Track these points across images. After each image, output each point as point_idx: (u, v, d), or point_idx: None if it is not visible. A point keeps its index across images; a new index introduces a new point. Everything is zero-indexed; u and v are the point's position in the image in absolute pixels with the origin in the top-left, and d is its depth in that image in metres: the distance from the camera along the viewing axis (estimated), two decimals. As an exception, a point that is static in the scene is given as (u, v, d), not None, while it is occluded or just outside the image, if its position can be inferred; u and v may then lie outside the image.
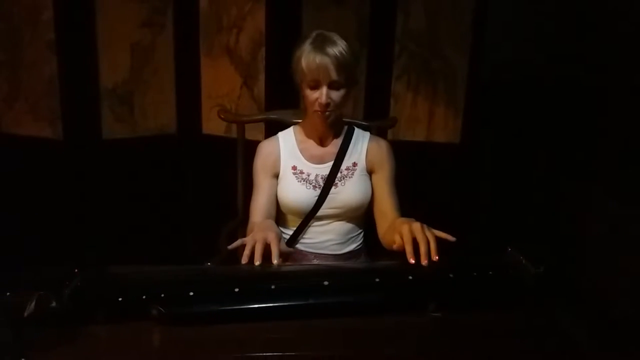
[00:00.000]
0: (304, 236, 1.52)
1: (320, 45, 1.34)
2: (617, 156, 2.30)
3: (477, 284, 1.07)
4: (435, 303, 1.02)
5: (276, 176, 1.50)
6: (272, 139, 1.54)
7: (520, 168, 2.50)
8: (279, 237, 1.20)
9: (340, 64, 1.34)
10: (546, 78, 2.43)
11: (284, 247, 1.34)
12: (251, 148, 1.78)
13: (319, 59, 1.33)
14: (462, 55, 2.37)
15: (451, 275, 1.06)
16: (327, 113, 1.40)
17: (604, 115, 2.37)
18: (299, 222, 1.51)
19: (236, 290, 0.98)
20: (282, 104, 2.09)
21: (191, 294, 0.97)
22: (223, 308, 0.96)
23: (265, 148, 1.52)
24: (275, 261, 1.10)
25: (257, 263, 1.08)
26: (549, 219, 2.41)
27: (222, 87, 2.41)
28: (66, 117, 2.20)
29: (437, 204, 2.27)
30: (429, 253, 1.07)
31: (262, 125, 2.24)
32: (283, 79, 2.36)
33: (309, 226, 1.51)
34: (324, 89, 1.36)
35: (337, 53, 1.33)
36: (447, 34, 2.35)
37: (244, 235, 1.35)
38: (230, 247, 1.19)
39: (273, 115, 1.82)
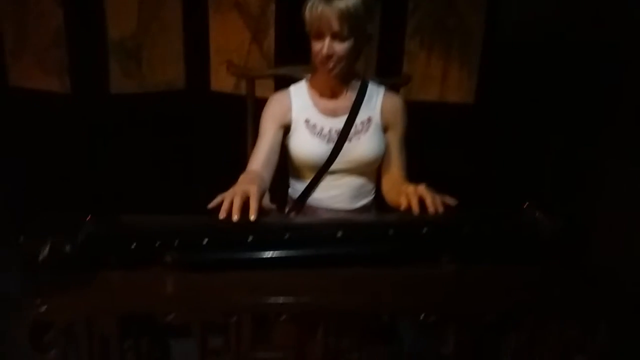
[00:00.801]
0: (316, 190, 1.51)
1: None
2: (635, 118, 2.26)
3: (492, 237, 1.06)
4: (448, 256, 1.01)
5: (284, 127, 1.47)
6: (283, 92, 1.52)
7: (535, 129, 2.46)
8: (261, 191, 1.15)
9: (344, 15, 1.30)
10: (565, 38, 2.37)
11: (266, 202, 1.31)
12: (260, 106, 1.76)
13: (321, 8, 1.31)
14: (478, 14, 2.30)
15: (466, 228, 1.05)
16: (330, 65, 1.36)
17: (624, 76, 2.31)
18: (312, 176, 1.49)
19: (250, 238, 0.98)
20: (292, 60, 2.05)
21: (205, 241, 0.96)
22: (236, 255, 0.96)
23: (276, 98, 1.50)
24: (252, 217, 1.04)
25: (234, 218, 1.03)
26: (564, 180, 2.39)
27: (231, 42, 2.37)
28: (74, 71, 2.17)
29: (449, 166, 2.25)
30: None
31: (271, 83, 2.20)
32: (293, 34, 2.32)
33: (321, 180, 1.49)
34: (327, 40, 1.33)
35: (343, 4, 1.30)
36: (463, -9, 2.29)
37: None
38: (210, 205, 1.10)
39: (283, 71, 1.78)
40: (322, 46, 1.34)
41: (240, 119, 1.88)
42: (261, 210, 1.08)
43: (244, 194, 1.07)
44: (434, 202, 1.12)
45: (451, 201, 1.14)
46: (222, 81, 2.39)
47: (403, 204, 1.16)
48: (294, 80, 1.61)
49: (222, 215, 1.04)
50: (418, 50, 2.36)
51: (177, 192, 2.40)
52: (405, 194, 1.16)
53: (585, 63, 2.34)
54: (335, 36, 1.33)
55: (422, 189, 1.15)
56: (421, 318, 0.91)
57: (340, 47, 1.34)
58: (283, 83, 1.74)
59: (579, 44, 2.35)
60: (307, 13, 1.34)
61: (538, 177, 2.41)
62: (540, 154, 2.47)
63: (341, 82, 1.45)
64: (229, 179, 1.76)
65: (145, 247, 0.95)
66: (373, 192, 1.56)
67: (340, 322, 0.92)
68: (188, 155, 2.50)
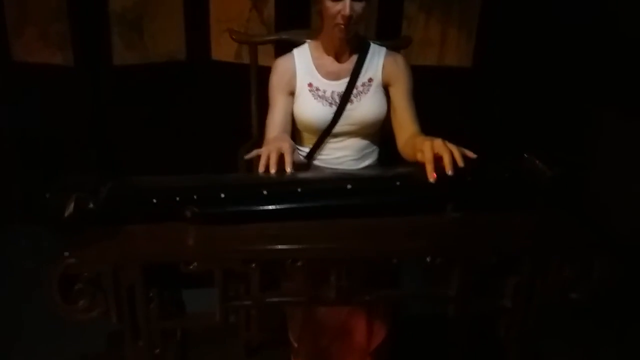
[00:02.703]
0: (320, 153, 1.55)
1: None
2: (630, 77, 2.30)
3: (494, 186, 1.11)
4: (453, 204, 1.06)
5: (292, 93, 1.51)
6: (287, 56, 1.54)
7: (531, 92, 2.49)
8: (293, 148, 1.24)
9: None
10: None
11: (297, 157, 1.40)
12: (262, 73, 1.79)
13: None
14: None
15: (469, 178, 1.09)
16: (349, 26, 1.37)
17: (618, 37, 2.33)
18: (315, 139, 1.53)
19: (265, 192, 1.02)
20: (292, 26, 2.06)
21: (222, 195, 1.01)
22: (253, 208, 1.01)
23: (280, 65, 1.52)
24: (288, 169, 1.14)
25: (272, 171, 1.12)
26: (561, 141, 2.43)
27: (231, 10, 2.38)
28: (76, 44, 2.19)
29: (449, 130, 2.28)
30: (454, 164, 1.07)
31: (272, 51, 2.22)
32: (293, 1, 2.35)
33: (325, 143, 1.53)
34: (347, 0, 1.33)
35: None
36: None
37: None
38: (247, 156, 1.26)
39: (285, 36, 1.80)
40: (344, 6, 1.34)
41: (242, 86, 1.91)
42: (294, 165, 1.16)
43: (278, 150, 1.15)
44: (452, 158, 1.07)
45: (470, 154, 1.12)
46: (223, 50, 2.42)
47: (421, 160, 1.12)
48: (295, 45, 1.63)
49: (261, 169, 1.13)
50: (417, 14, 2.38)
51: (181, 161, 2.44)
52: (421, 150, 1.13)
53: (580, 24, 2.36)
54: None
55: (439, 144, 1.10)
56: (428, 260, 0.97)
57: (359, 6, 1.35)
58: (284, 49, 1.76)
59: (573, 5, 2.36)
60: None
61: (536, 134, 2.45)
62: (537, 111, 2.50)
63: (347, 44, 1.46)
64: (233, 145, 1.81)
65: (165, 202, 1.00)
66: (377, 153, 1.60)
67: (351, 266, 0.98)
68: (191, 125, 2.53)
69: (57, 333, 1.67)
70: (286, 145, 1.19)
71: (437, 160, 1.09)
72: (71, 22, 2.16)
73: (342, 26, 1.37)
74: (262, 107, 1.69)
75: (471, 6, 2.36)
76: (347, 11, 1.34)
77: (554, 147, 2.43)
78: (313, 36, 1.59)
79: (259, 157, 1.20)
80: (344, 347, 1.40)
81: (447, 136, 1.22)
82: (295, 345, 1.46)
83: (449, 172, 1.07)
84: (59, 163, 2.27)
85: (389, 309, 1.41)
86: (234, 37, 1.85)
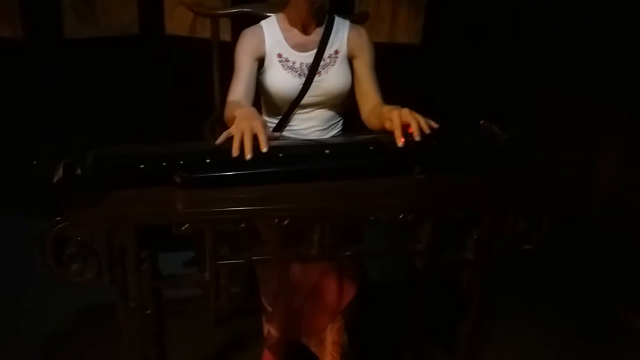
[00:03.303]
0: (289, 124, 1.60)
1: None
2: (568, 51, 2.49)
3: (456, 149, 1.21)
4: (420, 167, 1.16)
5: (258, 60, 1.53)
6: (255, 26, 1.56)
7: (479, 67, 2.64)
8: (264, 124, 1.20)
9: None
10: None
11: (269, 133, 1.35)
12: (221, 48, 1.81)
13: None
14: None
15: (434, 143, 1.19)
16: (312, 4, 1.42)
17: (554, 16, 2.52)
18: (284, 110, 1.57)
19: (248, 157, 1.07)
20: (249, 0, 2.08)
21: (207, 161, 1.06)
22: (239, 172, 1.06)
23: (250, 32, 1.54)
24: (264, 150, 1.09)
25: (247, 157, 1.07)
26: (508, 114, 2.61)
27: (185, -16, 2.36)
28: (25, 16, 2.11)
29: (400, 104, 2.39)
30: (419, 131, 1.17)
31: (229, 25, 2.23)
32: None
33: (294, 114, 1.58)
34: None
35: None
36: None
37: (225, 128, 1.31)
38: (217, 142, 1.17)
39: (247, 9, 1.82)
40: None
41: (198, 60, 1.92)
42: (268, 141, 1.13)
43: (251, 130, 1.10)
44: (418, 126, 1.16)
45: (433, 124, 1.20)
46: (177, 24, 2.40)
47: (389, 128, 1.21)
48: (252, 19, 1.65)
49: (235, 153, 1.07)
50: (369, -10, 2.46)
51: (140, 136, 2.42)
52: (389, 119, 1.21)
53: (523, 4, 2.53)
54: None
55: (406, 113, 1.19)
56: (400, 217, 1.07)
57: None
58: (241, 23, 1.77)
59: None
60: None
61: (481, 107, 2.61)
62: (481, 86, 2.66)
63: (313, 16, 1.51)
64: (194, 120, 1.83)
65: (153, 167, 1.04)
66: (342, 123, 1.67)
67: (333, 224, 1.06)
68: (148, 100, 2.51)
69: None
70: (258, 123, 1.13)
71: (404, 127, 1.19)
72: (20, -8, 2.08)
73: (306, 4, 1.42)
74: (224, 81, 1.71)
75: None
76: None
77: (498, 117, 2.61)
78: (275, 9, 1.63)
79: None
80: (317, 307, 1.47)
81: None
82: (269, 309, 1.52)
83: (417, 138, 1.16)
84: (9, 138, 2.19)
85: (357, 269, 1.50)
86: (195, 9, 1.85)
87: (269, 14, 1.67)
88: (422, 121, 1.19)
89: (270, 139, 1.15)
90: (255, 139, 1.10)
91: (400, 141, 1.17)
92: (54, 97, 2.30)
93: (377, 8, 2.49)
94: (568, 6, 2.47)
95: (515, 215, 1.14)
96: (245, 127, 1.11)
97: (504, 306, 2.02)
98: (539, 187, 1.17)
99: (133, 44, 2.41)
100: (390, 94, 2.41)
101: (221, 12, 1.85)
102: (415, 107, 1.24)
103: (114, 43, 2.34)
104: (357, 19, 1.96)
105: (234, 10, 1.86)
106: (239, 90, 1.45)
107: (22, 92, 2.24)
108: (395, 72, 2.54)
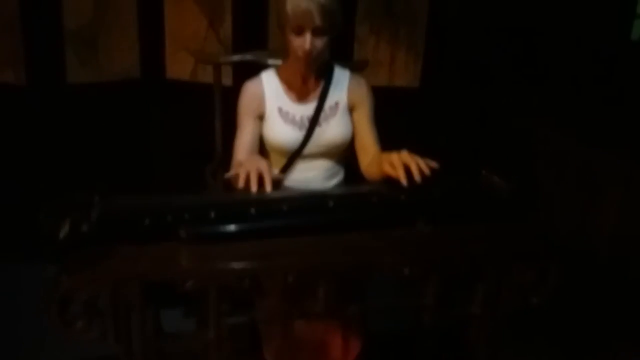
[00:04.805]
0: (290, 174, 1.60)
1: None
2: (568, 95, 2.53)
3: (459, 201, 1.22)
4: (424, 219, 1.16)
5: (260, 117, 1.55)
6: (255, 80, 1.57)
7: (478, 110, 2.68)
8: (270, 166, 1.27)
9: (325, 10, 1.36)
10: (504, 23, 2.58)
11: (275, 175, 1.43)
12: (222, 93, 1.83)
13: (304, 4, 1.35)
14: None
15: (436, 195, 1.20)
16: (311, 59, 1.43)
17: (554, 59, 2.57)
18: (285, 161, 1.58)
19: (252, 211, 1.08)
20: (249, 46, 2.11)
21: (212, 215, 1.05)
22: (243, 227, 1.05)
23: (249, 89, 1.55)
24: (268, 189, 1.17)
25: (253, 189, 1.16)
26: (508, 159, 2.62)
27: (187, 28, 2.40)
28: (29, 61, 2.14)
29: (399, 147, 2.41)
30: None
31: (230, 70, 2.27)
32: (250, 19, 2.41)
33: (295, 164, 1.58)
34: (308, 36, 1.38)
35: (323, 0, 1.35)
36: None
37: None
38: (226, 175, 1.28)
39: (249, 57, 1.86)
40: (304, 42, 1.38)
41: (200, 105, 1.94)
42: (273, 182, 1.20)
43: (257, 169, 1.19)
44: (418, 167, 1.20)
45: (433, 164, 1.23)
46: (178, 69, 2.43)
47: (389, 172, 1.24)
48: (255, 66, 1.67)
49: (241, 184, 1.16)
50: (368, 36, 2.50)
51: (140, 182, 2.42)
52: (389, 162, 1.24)
53: (525, 45, 2.58)
54: (316, 31, 1.38)
55: (405, 155, 1.24)
56: (406, 272, 1.06)
57: (320, 42, 1.40)
58: (242, 69, 1.80)
59: (517, 29, 2.58)
60: (290, 9, 1.36)
61: (481, 151, 2.63)
62: (481, 129, 2.69)
63: (312, 69, 1.52)
64: (196, 165, 1.83)
65: (157, 222, 1.03)
66: (342, 172, 1.68)
67: (338, 279, 1.05)
68: (149, 145, 2.51)
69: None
70: (264, 164, 1.22)
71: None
72: (24, 38, 2.10)
73: (303, 60, 1.43)
74: (226, 127, 1.72)
75: (418, 28, 2.51)
76: (307, 46, 1.38)
77: (499, 162, 2.63)
78: (277, 56, 1.65)
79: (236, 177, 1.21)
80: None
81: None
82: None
83: (417, 178, 1.20)
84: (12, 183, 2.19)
85: (362, 323, 1.48)
86: (197, 57, 1.89)
87: (270, 61, 1.70)
88: (422, 162, 1.23)
89: (274, 180, 1.21)
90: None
91: (405, 181, 1.20)
92: (56, 143, 2.31)
93: (375, 52, 2.53)
94: (568, 49, 2.53)
95: (521, 269, 1.14)
96: (251, 167, 1.20)
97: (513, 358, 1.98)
98: (544, 239, 1.17)
99: (134, 88, 2.43)
100: (389, 138, 2.45)
101: (223, 60, 1.88)
102: (414, 150, 1.28)
103: (115, 87, 2.37)
104: (356, 67, 2.00)
105: (235, 59, 1.90)
106: (245, 149, 1.49)
107: (24, 138, 2.25)
108: (394, 116, 2.56)
